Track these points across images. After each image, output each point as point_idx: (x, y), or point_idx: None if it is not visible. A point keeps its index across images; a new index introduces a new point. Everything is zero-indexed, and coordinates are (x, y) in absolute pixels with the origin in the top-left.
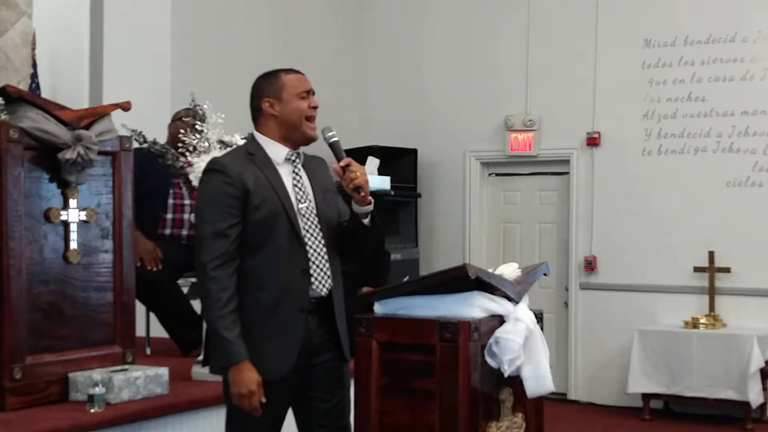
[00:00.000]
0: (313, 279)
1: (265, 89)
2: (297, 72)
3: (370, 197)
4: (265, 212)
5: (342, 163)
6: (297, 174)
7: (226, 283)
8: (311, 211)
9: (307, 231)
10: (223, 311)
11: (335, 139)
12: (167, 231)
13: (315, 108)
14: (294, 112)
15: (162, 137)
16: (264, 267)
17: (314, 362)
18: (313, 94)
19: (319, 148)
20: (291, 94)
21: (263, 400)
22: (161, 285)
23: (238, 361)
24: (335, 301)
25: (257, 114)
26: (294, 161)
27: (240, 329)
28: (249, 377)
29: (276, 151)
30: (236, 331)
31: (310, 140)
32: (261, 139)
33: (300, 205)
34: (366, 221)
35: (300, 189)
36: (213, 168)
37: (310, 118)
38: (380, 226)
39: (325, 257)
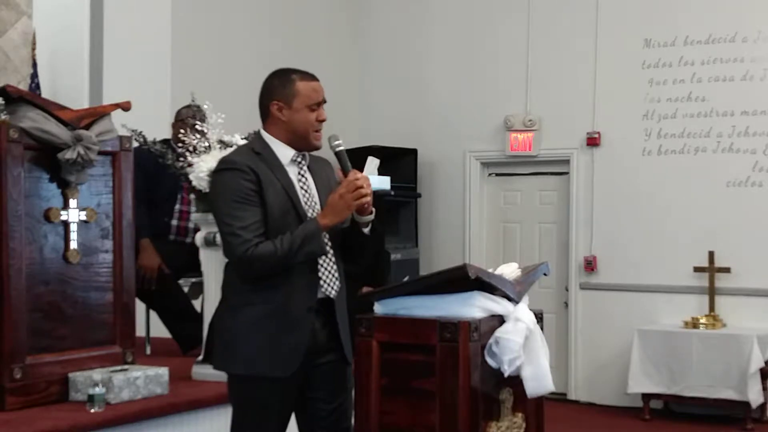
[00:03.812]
0: (321, 281)
1: (276, 91)
2: (312, 79)
3: (372, 207)
4: (276, 210)
5: (349, 177)
6: (303, 176)
7: (260, 247)
8: (317, 214)
9: None
10: (274, 247)
11: (341, 148)
12: (171, 237)
13: (322, 121)
14: (302, 123)
15: (161, 137)
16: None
17: (317, 362)
18: (324, 102)
19: (323, 150)
20: (302, 105)
21: (346, 187)
22: (162, 283)
23: (319, 225)
24: (337, 303)
25: (265, 114)
26: (300, 163)
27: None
28: (332, 208)
29: (282, 152)
30: (287, 235)
31: (313, 149)
32: (268, 138)
33: (307, 208)
34: (366, 230)
35: (306, 191)
36: (226, 167)
37: (316, 131)
38: (380, 234)
39: (332, 259)
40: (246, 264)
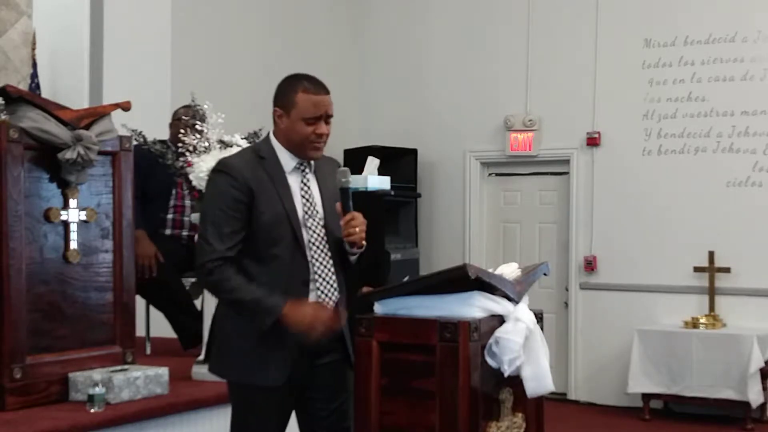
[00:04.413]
0: (318, 291)
1: (279, 98)
2: (317, 92)
3: (363, 243)
4: (269, 220)
5: (347, 218)
6: (305, 184)
7: (230, 272)
8: (318, 223)
9: (313, 243)
10: (239, 286)
11: (347, 186)
12: (167, 231)
13: (321, 135)
14: (297, 135)
15: (162, 137)
16: (265, 276)
17: (318, 363)
18: (329, 117)
19: (330, 148)
20: (298, 117)
21: (329, 314)
22: (163, 280)
23: (281, 310)
24: (340, 308)
25: (272, 118)
26: (303, 171)
27: (263, 288)
28: (300, 313)
29: (286, 159)
30: (259, 290)
31: (311, 160)
32: (274, 143)
33: (307, 217)
34: (352, 259)
35: (308, 199)
36: (220, 169)
37: (313, 143)
38: (380, 245)
39: (331, 269)
40: (203, 274)
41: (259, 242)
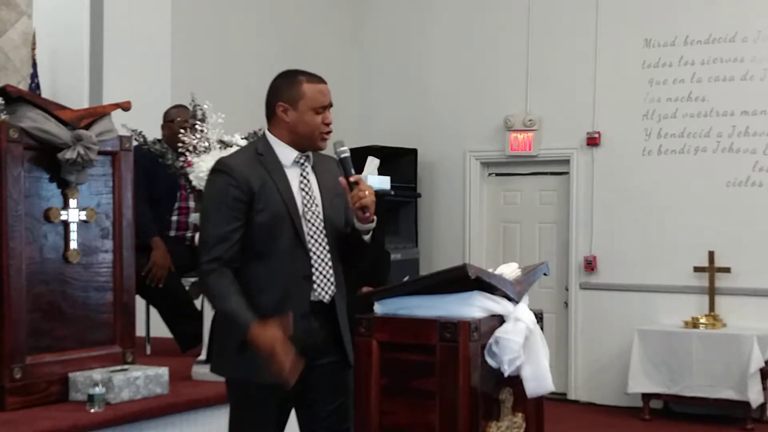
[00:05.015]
0: (315, 285)
1: (282, 93)
2: (320, 81)
3: (374, 216)
4: (269, 216)
5: (352, 179)
6: (305, 177)
7: (225, 274)
8: (317, 216)
9: (312, 236)
10: (227, 293)
11: (346, 155)
12: (172, 233)
13: (329, 124)
14: (307, 125)
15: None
16: (266, 271)
17: (317, 364)
18: (331, 106)
19: (330, 148)
20: (307, 107)
21: (290, 356)
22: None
23: (249, 326)
24: (338, 306)
25: (270, 114)
26: (303, 164)
27: (245, 301)
28: (264, 338)
29: (285, 153)
30: (236, 302)
31: (317, 150)
32: (272, 139)
33: (306, 210)
34: (366, 237)
35: (307, 193)
36: (219, 169)
37: (323, 134)
38: (380, 244)
39: (329, 263)
40: (200, 274)
41: (259, 240)
